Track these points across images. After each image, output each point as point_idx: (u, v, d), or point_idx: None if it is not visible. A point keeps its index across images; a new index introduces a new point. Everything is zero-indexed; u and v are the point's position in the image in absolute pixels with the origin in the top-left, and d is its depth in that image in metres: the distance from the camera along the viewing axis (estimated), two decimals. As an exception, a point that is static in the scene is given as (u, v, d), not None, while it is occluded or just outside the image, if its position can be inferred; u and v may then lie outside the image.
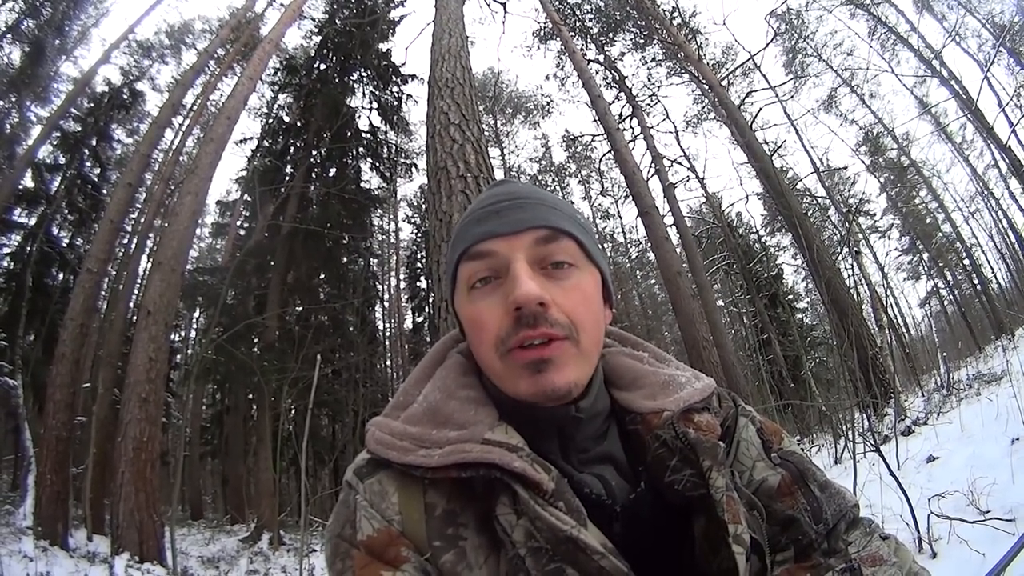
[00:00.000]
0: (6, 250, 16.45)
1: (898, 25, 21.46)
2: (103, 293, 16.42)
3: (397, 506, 0.70)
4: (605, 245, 29.93)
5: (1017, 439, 4.75)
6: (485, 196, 0.86)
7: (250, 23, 19.09)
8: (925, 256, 26.66)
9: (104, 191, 18.27)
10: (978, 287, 24.55)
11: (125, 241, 18.35)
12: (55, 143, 17.74)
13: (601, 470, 0.77)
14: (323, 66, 18.81)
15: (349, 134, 18.53)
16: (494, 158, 18.85)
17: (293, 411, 15.51)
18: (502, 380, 0.75)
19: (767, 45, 19.42)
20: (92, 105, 18.96)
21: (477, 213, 0.82)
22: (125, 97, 20.09)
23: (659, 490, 0.76)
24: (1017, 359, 8.01)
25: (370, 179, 20.11)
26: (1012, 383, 5.88)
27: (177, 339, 21.67)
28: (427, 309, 24.33)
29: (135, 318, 13.71)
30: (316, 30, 19.45)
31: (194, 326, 24.19)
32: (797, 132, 22.51)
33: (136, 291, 17.42)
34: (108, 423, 12.03)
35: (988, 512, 3.81)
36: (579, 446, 0.78)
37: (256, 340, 15.80)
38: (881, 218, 27.40)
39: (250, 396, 17.04)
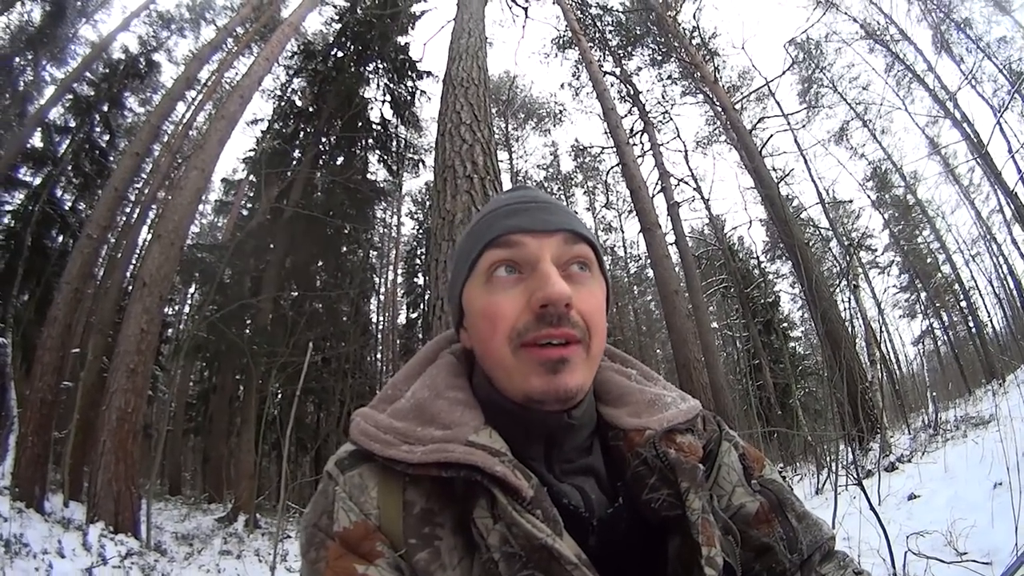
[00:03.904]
0: (7, 207, 16.36)
1: (915, 64, 21.42)
2: (101, 260, 16.40)
3: (376, 500, 0.71)
4: (605, 258, 29.71)
5: (1000, 483, 4.72)
6: (510, 196, 0.88)
7: (271, 4, 19.02)
8: (923, 295, 26.63)
9: (111, 158, 18.07)
10: (973, 330, 24.50)
11: (127, 210, 18.28)
12: (67, 105, 17.60)
13: (582, 482, 0.77)
14: (340, 54, 18.79)
15: (360, 124, 18.58)
16: (502, 161, 18.85)
17: (280, 396, 15.50)
18: (511, 374, 0.75)
19: (783, 72, 19.47)
20: (107, 71, 18.81)
21: (504, 209, 0.82)
22: (141, 66, 19.92)
23: (636, 507, 0.75)
24: (1006, 404, 8.03)
25: (377, 171, 20.21)
26: (999, 427, 5.83)
27: (170, 313, 21.52)
28: (422, 306, 24.34)
29: (130, 288, 13.64)
30: (336, 17, 19.44)
31: (188, 301, 24.05)
32: (806, 161, 22.48)
33: (134, 261, 17.34)
34: (94, 391, 11.92)
35: (966, 554, 3.84)
36: (564, 456, 0.78)
37: (249, 321, 15.81)
38: (882, 254, 27.40)
39: (238, 377, 17.03)
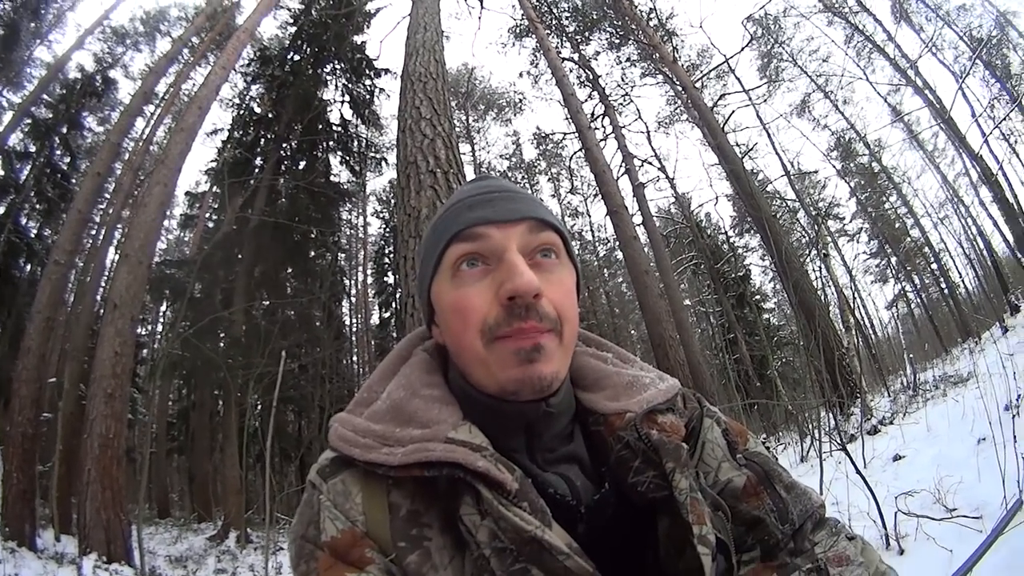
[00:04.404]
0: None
1: (875, 34, 21.75)
2: (70, 285, 16.24)
3: (361, 506, 0.70)
4: (574, 243, 29.82)
5: (984, 439, 4.78)
6: (473, 187, 0.86)
7: (226, 11, 18.93)
8: (893, 260, 27.09)
9: (74, 180, 17.90)
10: (945, 291, 24.94)
11: (93, 232, 18.09)
12: (26, 130, 17.43)
13: (566, 470, 0.77)
14: (297, 57, 18.68)
15: (320, 127, 18.49)
16: (465, 154, 18.92)
17: (259, 407, 15.41)
18: (486, 367, 0.74)
19: (743, 49, 19.63)
20: (64, 92, 18.60)
21: (468, 200, 0.81)
22: (98, 84, 19.73)
23: (623, 491, 0.75)
24: (984, 361, 8.12)
25: (339, 173, 20.14)
26: (979, 384, 5.98)
27: (143, 333, 21.36)
28: (394, 305, 24.27)
29: (102, 311, 13.49)
30: (291, 20, 19.33)
31: (160, 320, 23.86)
32: (769, 135, 22.78)
33: (103, 284, 17.17)
34: (74, 419, 11.76)
35: (955, 510, 3.91)
36: (546, 445, 0.78)
37: (222, 335, 15.67)
38: (850, 222, 27.80)
39: (216, 392, 16.88)
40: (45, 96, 17.91)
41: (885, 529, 3.98)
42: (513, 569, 0.61)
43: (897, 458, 6.14)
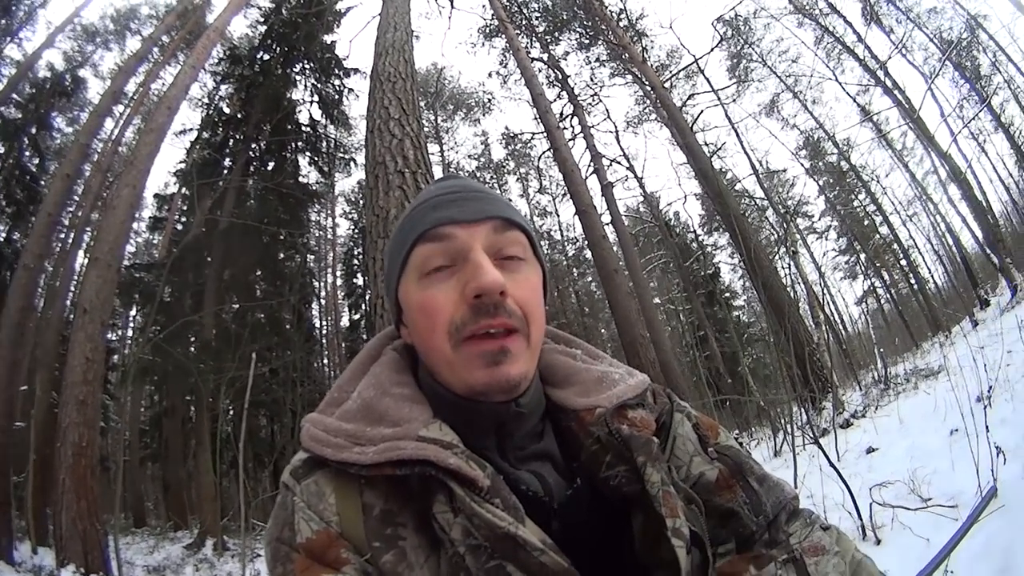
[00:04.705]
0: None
1: (845, 36, 22.01)
2: (40, 290, 15.95)
3: (335, 507, 0.69)
4: (542, 243, 30.01)
5: (956, 430, 4.82)
6: (438, 187, 0.86)
7: (196, 9, 18.67)
8: (862, 256, 27.43)
9: (43, 182, 17.45)
10: (915, 287, 25.34)
11: (62, 235, 17.76)
12: (-6, 131, 17.11)
13: (538, 467, 0.77)
14: (266, 56, 18.41)
15: (289, 127, 18.25)
16: (433, 154, 18.79)
17: (231, 412, 15.26)
18: (453, 369, 0.74)
19: (712, 49, 19.78)
20: (33, 91, 18.14)
21: (432, 201, 0.81)
22: (67, 83, 19.25)
23: (595, 487, 0.76)
24: (954, 354, 8.22)
25: (308, 174, 19.93)
26: (950, 377, 6.01)
27: (114, 338, 21.02)
28: (364, 306, 24.03)
29: (72, 316, 13.28)
30: (262, 19, 19.04)
31: (130, 324, 23.44)
32: (738, 135, 22.90)
33: (73, 288, 16.87)
34: (47, 427, 11.51)
35: (930, 499, 3.94)
36: (517, 444, 0.78)
37: (193, 339, 15.46)
38: (819, 219, 28.19)
39: (188, 397, 16.60)
40: (14, 95, 17.53)
41: (861, 520, 4.02)
42: (488, 566, 0.61)
43: (870, 450, 6.19)
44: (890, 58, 20.38)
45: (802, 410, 8.98)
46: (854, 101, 23.46)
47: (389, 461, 0.67)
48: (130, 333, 23.36)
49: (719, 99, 20.40)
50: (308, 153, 19.38)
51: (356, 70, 19.30)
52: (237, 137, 17.83)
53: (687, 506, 0.74)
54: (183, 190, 18.80)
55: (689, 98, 19.06)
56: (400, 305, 0.83)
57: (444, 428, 0.72)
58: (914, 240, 26.66)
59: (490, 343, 0.72)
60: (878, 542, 3.86)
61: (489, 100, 26.33)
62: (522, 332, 0.74)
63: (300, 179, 18.94)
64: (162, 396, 19.30)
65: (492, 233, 0.78)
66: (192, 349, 15.21)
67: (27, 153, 17.99)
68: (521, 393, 0.76)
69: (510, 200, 1.01)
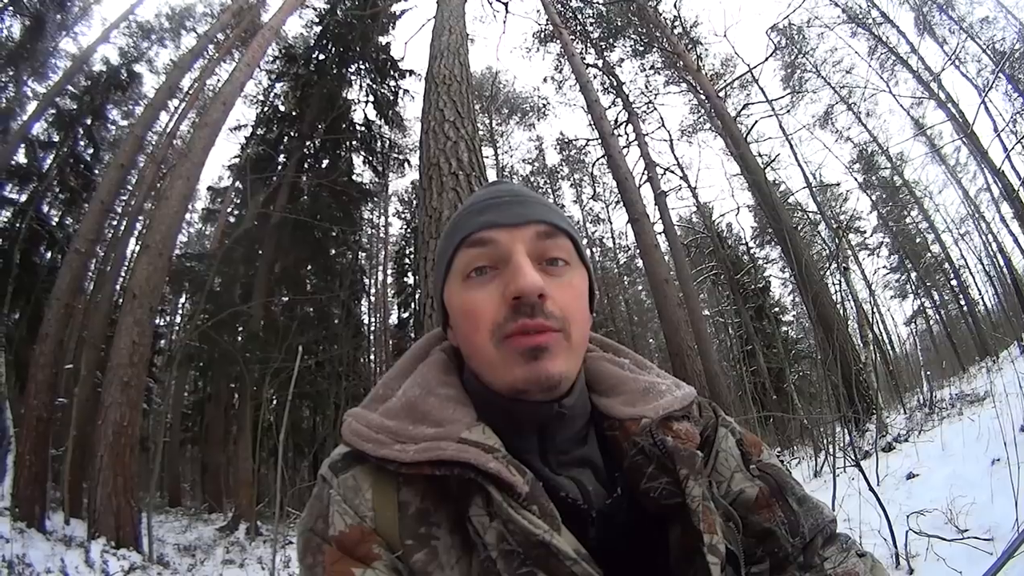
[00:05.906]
0: (-5, 226, 16.28)
1: (898, 46, 21.49)
2: (90, 274, 16.34)
3: (370, 502, 0.70)
4: (594, 249, 30.10)
5: (998, 460, 4.69)
6: (484, 192, 0.87)
7: (252, 8, 19.00)
8: (913, 275, 26.72)
9: (96, 171, 18.01)
10: (964, 308, 24.61)
11: (115, 223, 18.19)
12: (50, 120, 17.55)
13: (578, 474, 0.77)
14: (322, 56, 18.77)
15: (344, 126, 18.57)
16: (487, 157, 18.87)
17: (275, 401, 15.48)
18: (495, 368, 0.74)
19: (766, 59, 19.54)
20: (89, 84, 18.69)
21: (478, 205, 0.82)
22: (122, 77, 19.80)
23: (635, 497, 0.75)
24: (1001, 381, 7.95)
25: (362, 172, 20.22)
26: (995, 404, 5.85)
27: (162, 324, 21.49)
28: (413, 305, 24.18)
29: (121, 301, 13.58)
30: (317, 20, 19.41)
31: (179, 311, 23.97)
32: (791, 147, 22.51)
33: (123, 274, 17.29)
34: (89, 406, 11.84)
35: (967, 531, 3.83)
36: (559, 447, 0.78)
37: (240, 329, 15.78)
38: (871, 235, 27.53)
39: (232, 385, 16.96)
40: (70, 87, 18.03)
41: (895, 548, 3.94)
42: (520, 572, 0.61)
43: (911, 476, 6.01)
44: (943, 70, 19.84)
45: (845, 431, 8.80)
46: (908, 114, 22.87)
47: (429, 461, 0.68)
48: (178, 320, 23.90)
49: (773, 110, 20.07)
50: (363, 152, 19.70)
51: (411, 72, 19.55)
52: (292, 134, 18.18)
53: (725, 523, 0.74)
54: (236, 184, 19.21)
55: (743, 108, 18.73)
56: (446, 308, 0.84)
57: (487, 431, 0.72)
58: (965, 259, 25.88)
59: (528, 339, 0.72)
60: (911, 572, 3.79)
61: (544, 105, 26.42)
62: (563, 332, 0.74)
63: (354, 177, 19.25)
64: (206, 382, 19.83)
65: (535, 237, 0.78)
66: (239, 338, 15.51)
67: (82, 143, 18.54)
68: (564, 394, 0.76)
69: (562, 206, 0.98)
